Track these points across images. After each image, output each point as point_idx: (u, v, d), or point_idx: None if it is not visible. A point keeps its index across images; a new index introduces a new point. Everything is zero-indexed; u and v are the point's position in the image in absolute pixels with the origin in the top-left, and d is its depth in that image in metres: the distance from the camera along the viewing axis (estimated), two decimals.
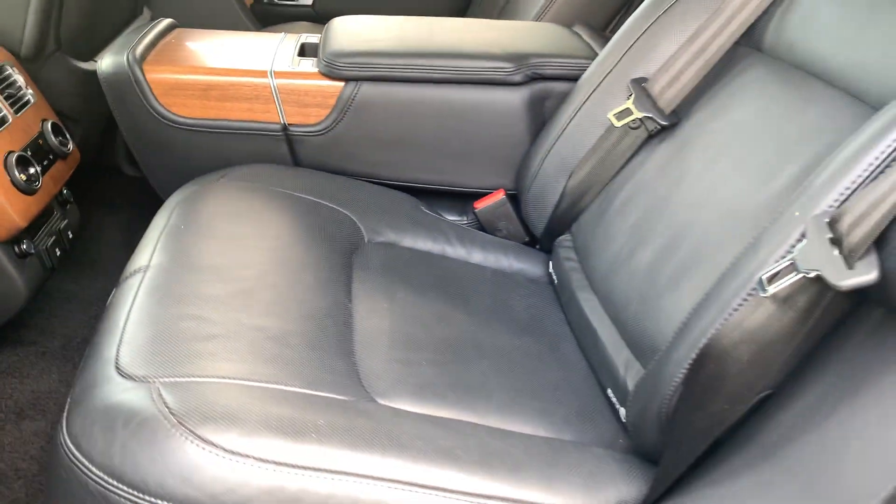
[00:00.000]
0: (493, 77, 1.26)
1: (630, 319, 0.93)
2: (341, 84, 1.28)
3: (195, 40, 1.44)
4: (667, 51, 1.10)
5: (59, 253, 1.37)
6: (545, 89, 1.29)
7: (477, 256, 1.21)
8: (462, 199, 1.37)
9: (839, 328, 0.67)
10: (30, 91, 1.36)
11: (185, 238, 1.02)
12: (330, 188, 1.23)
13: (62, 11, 1.47)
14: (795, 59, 0.94)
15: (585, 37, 1.43)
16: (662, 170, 1.02)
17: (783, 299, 0.65)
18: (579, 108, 1.18)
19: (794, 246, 0.67)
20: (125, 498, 0.68)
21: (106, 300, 0.92)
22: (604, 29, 1.73)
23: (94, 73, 1.34)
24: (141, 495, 0.67)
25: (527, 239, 1.30)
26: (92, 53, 1.66)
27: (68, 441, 0.72)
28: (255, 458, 0.68)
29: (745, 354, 0.67)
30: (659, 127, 1.05)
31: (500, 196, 1.31)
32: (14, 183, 1.21)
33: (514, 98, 1.29)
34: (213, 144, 1.32)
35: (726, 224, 0.86)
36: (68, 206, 1.44)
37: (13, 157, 1.22)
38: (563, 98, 1.25)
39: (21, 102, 1.32)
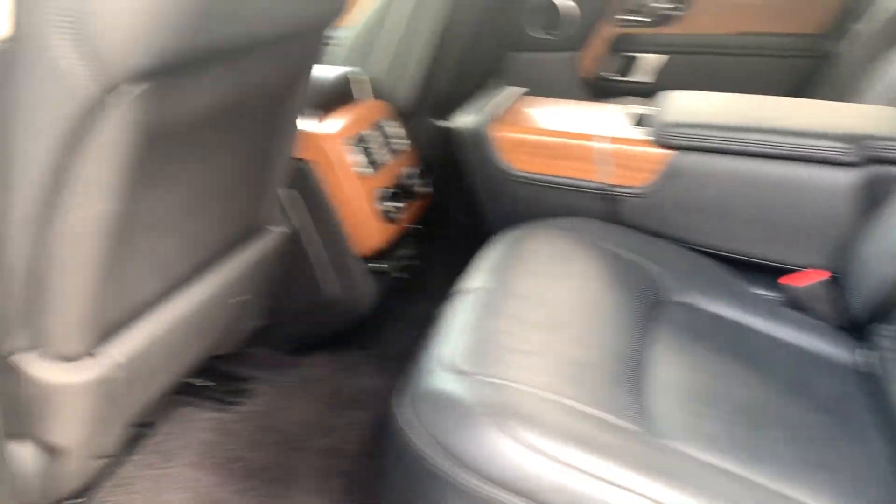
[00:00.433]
0: (826, 157, 1.26)
1: None
2: (671, 152, 1.37)
3: (538, 106, 1.64)
4: None
5: (404, 276, 1.63)
6: (882, 172, 1.25)
7: (780, 331, 1.19)
8: (769, 272, 1.36)
9: None
10: (404, 141, 1.66)
11: (509, 270, 1.17)
12: (642, 245, 1.32)
13: (435, 80, 1.77)
14: None
15: None
16: None
17: None
18: None
19: None
20: (438, 468, 0.82)
21: (429, 321, 1.11)
22: None
23: (447, 130, 1.60)
24: (453, 468, 0.81)
25: (838, 322, 1.25)
26: (446, 113, 1.95)
27: (400, 420, 0.88)
28: (549, 456, 0.78)
29: None
30: None
31: (821, 277, 1.28)
32: (382, 211, 1.49)
33: (845, 178, 1.26)
34: (540, 196, 1.48)
35: None
36: (416, 239, 1.71)
37: (384, 192, 1.50)
38: None
39: (397, 149, 1.62)
